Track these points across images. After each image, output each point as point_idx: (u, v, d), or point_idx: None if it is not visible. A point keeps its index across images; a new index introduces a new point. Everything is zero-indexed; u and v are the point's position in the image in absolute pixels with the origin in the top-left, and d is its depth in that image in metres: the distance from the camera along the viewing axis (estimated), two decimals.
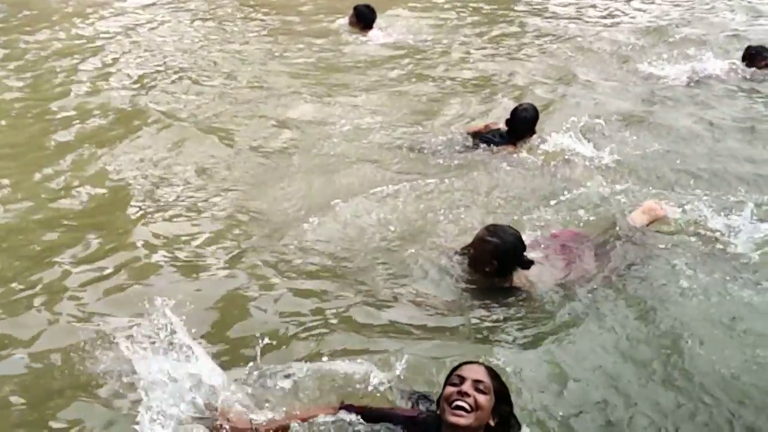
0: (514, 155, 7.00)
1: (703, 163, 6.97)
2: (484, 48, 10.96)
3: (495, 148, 7.11)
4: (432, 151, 7.24)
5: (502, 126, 7.29)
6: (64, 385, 4.04)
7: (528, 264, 4.99)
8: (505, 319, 4.72)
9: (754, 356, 4.33)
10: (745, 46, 10.02)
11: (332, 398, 3.78)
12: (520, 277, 5.02)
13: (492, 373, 3.40)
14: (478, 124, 7.75)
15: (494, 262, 4.95)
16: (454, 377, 3.34)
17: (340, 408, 3.52)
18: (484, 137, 7.30)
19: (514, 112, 7.18)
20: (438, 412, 3.37)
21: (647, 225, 5.67)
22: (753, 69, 9.46)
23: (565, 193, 6.27)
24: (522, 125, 7.12)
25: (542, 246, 5.32)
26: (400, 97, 8.84)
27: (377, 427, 3.45)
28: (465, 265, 5.12)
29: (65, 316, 4.59)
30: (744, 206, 5.79)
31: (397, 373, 3.93)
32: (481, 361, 3.55)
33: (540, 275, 5.07)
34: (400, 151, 7.30)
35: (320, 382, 3.92)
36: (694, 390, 4.10)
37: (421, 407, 3.63)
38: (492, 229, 5.04)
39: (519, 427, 3.47)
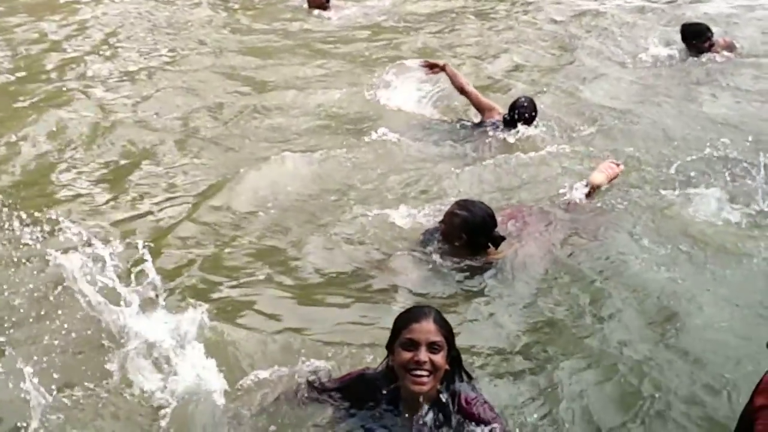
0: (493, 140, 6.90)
1: (660, 144, 6.98)
2: (457, 24, 10.93)
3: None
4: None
5: (498, 117, 7.12)
6: None
7: (498, 240, 4.96)
8: (474, 294, 4.71)
9: (714, 323, 4.42)
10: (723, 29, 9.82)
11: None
12: (493, 253, 4.99)
13: (440, 321, 3.36)
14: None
15: (463, 235, 4.92)
16: (405, 339, 3.30)
17: (309, 387, 3.54)
18: (479, 126, 7.17)
19: (513, 106, 6.99)
20: (390, 364, 3.36)
21: (608, 183, 5.68)
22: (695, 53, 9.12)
23: (528, 174, 6.30)
24: (519, 119, 6.92)
25: (512, 222, 5.33)
26: (368, 74, 8.77)
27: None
28: (440, 243, 5.06)
29: None
30: (696, 180, 5.95)
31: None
32: (426, 309, 3.44)
33: (512, 251, 5.05)
34: (369, 127, 7.25)
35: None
36: (652, 358, 4.16)
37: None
38: (462, 203, 5.01)
39: (469, 375, 3.49)
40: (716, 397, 3.85)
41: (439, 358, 3.28)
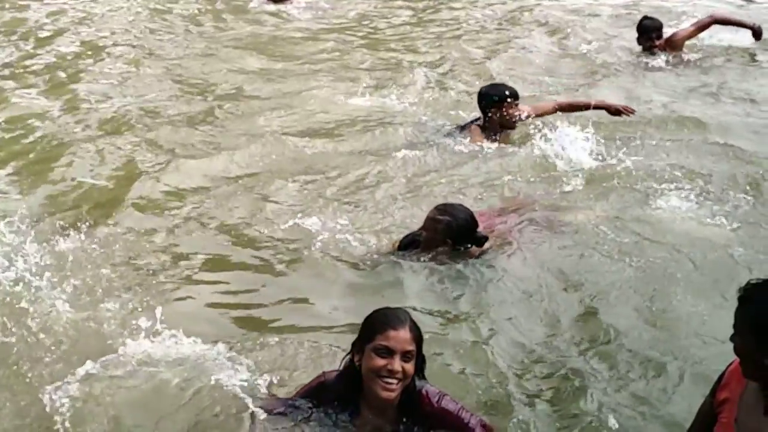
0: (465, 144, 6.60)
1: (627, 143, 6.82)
2: (432, 16, 10.93)
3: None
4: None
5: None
6: None
7: (482, 240, 4.91)
8: (461, 295, 4.67)
9: (677, 318, 4.45)
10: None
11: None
12: (475, 252, 4.93)
13: (414, 329, 3.30)
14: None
15: (448, 240, 4.84)
16: (380, 346, 3.23)
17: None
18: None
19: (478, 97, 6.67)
20: (356, 363, 3.32)
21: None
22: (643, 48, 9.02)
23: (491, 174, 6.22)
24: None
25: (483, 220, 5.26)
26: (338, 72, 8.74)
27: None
28: (421, 249, 4.94)
29: None
30: (667, 179, 5.96)
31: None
32: (401, 314, 3.36)
33: (493, 246, 5.02)
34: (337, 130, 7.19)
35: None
36: (613, 350, 4.21)
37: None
38: (442, 208, 4.93)
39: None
40: (676, 391, 3.87)
41: (411, 367, 3.25)
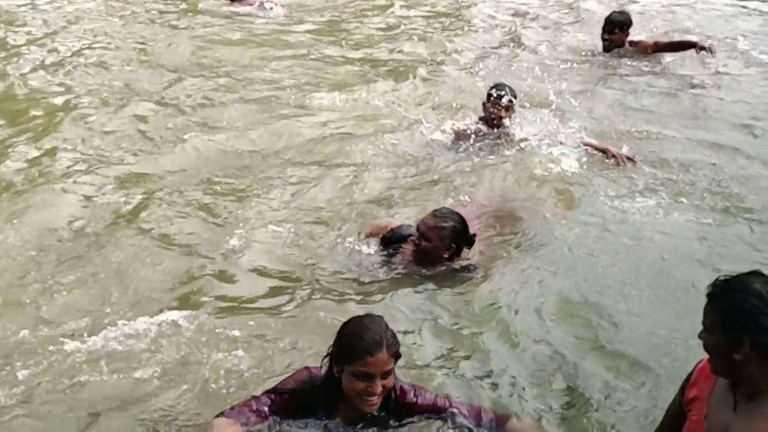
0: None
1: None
2: (390, 26, 10.81)
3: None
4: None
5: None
6: None
7: (473, 240, 4.86)
8: (468, 302, 4.63)
9: (642, 317, 4.46)
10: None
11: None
12: (466, 254, 4.91)
13: (392, 345, 3.23)
14: None
15: (453, 245, 4.78)
16: (359, 371, 3.20)
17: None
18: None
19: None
20: (336, 375, 3.30)
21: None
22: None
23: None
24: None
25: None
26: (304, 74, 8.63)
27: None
28: (400, 258, 4.87)
29: None
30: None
31: None
32: (379, 335, 3.24)
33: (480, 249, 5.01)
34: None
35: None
36: (581, 351, 4.21)
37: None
38: (440, 215, 4.81)
39: None
40: (644, 389, 3.88)
41: (390, 381, 3.26)
